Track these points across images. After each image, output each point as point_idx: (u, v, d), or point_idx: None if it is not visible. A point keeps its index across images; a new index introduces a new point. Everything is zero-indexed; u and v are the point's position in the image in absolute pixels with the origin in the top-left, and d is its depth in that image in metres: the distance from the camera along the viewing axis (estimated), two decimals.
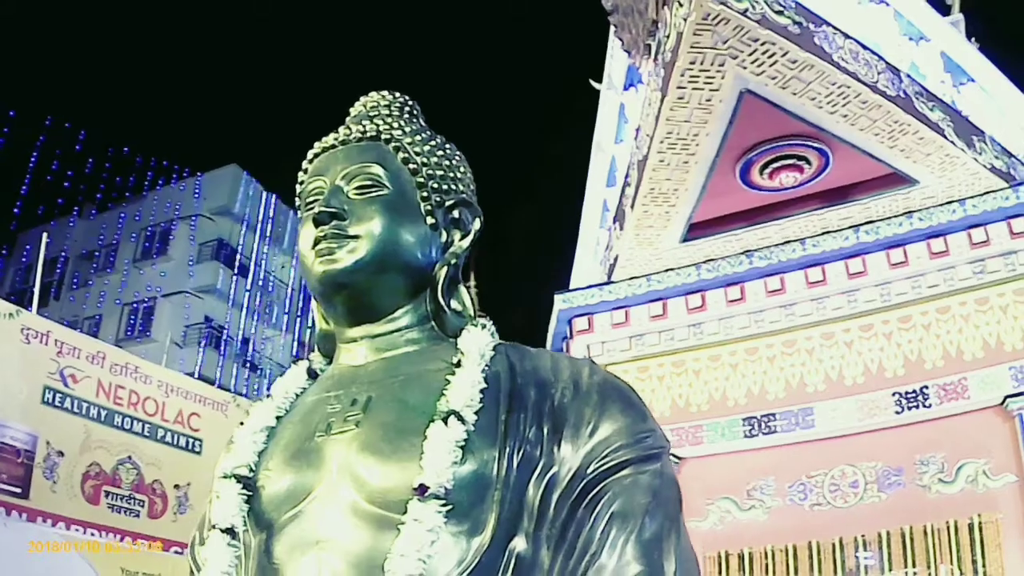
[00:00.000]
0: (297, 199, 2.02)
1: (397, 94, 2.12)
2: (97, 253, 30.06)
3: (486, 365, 1.76)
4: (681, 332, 9.89)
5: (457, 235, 1.98)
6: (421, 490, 1.56)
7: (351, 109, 2.12)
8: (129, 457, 11.17)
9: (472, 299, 1.98)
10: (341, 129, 2.01)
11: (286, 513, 1.68)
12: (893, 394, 8.92)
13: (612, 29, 9.58)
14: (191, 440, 11.83)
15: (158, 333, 27.40)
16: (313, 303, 2.05)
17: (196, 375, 17.74)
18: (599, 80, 12.16)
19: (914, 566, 8.20)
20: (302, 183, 2.01)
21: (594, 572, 1.58)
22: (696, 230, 9.88)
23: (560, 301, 10.35)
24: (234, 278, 30.41)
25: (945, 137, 8.22)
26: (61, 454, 10.50)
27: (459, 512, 1.57)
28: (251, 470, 1.76)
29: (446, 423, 1.63)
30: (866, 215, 9.31)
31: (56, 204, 25.70)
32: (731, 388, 9.51)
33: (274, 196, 32.73)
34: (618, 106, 11.55)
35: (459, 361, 1.77)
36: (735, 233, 9.89)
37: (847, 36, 7.74)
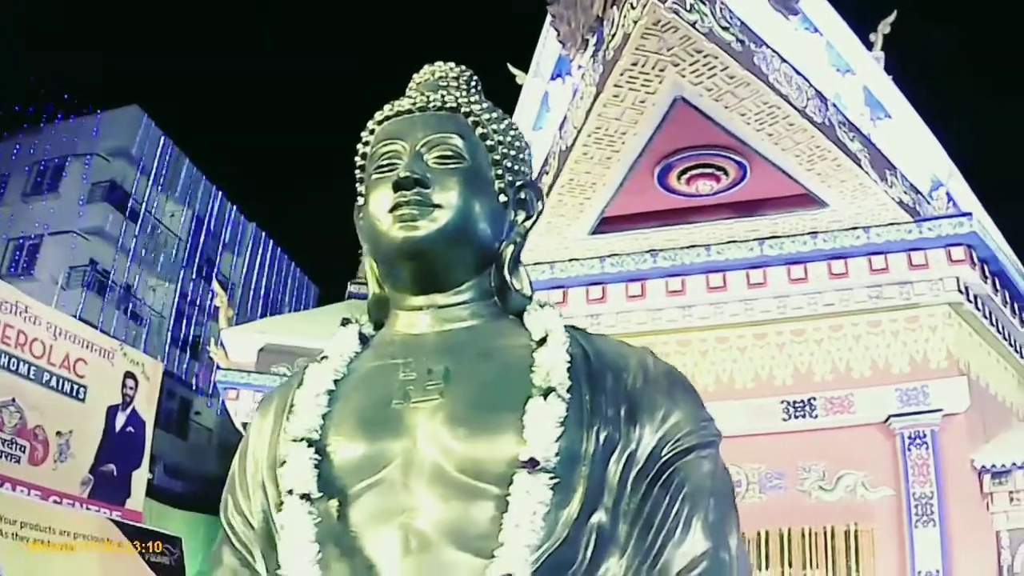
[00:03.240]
0: (359, 159, 2.05)
1: (463, 67, 2.15)
2: None
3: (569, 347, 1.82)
4: (579, 322, 10.00)
5: (522, 215, 2.03)
6: (531, 463, 1.61)
7: (416, 76, 2.14)
8: (13, 400, 10.75)
9: (530, 280, 2.04)
10: (415, 96, 2.03)
11: (362, 481, 1.70)
12: (781, 402, 9.28)
13: (549, 19, 9.65)
14: (76, 386, 11.53)
15: (41, 272, 26.51)
16: (367, 265, 2.05)
17: (77, 319, 17.27)
18: (517, 65, 12.23)
19: (790, 566, 8.59)
20: (367, 143, 2.03)
21: (672, 546, 1.69)
22: (606, 224, 10.04)
23: None
24: (124, 222, 29.55)
25: (861, 167, 8.58)
26: None
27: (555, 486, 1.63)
28: (318, 434, 1.76)
29: (546, 399, 1.68)
30: (772, 230, 9.61)
31: None
32: None
33: (172, 142, 31.87)
34: (542, 94, 11.67)
35: (543, 339, 1.83)
36: (643, 232, 10.07)
37: (783, 60, 8.01)
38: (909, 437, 8.76)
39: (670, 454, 1.76)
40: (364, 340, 1.99)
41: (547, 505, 1.60)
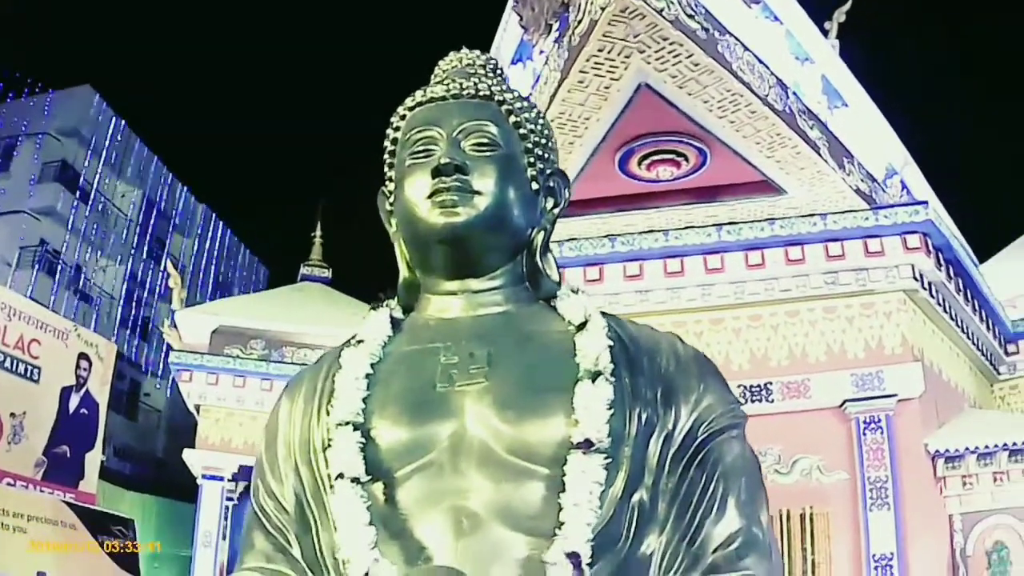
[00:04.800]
0: (390, 143, 2.07)
1: (488, 54, 2.19)
2: None
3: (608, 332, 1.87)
4: None
5: (551, 202, 2.07)
6: (587, 444, 1.66)
7: (441, 63, 2.16)
8: None
9: (557, 266, 2.08)
10: (447, 83, 2.05)
11: (410, 464, 1.72)
12: (738, 386, 9.30)
13: (511, 3, 9.66)
14: (30, 367, 11.41)
15: None
16: (397, 249, 2.07)
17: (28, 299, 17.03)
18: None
19: None
20: (398, 129, 2.05)
21: (709, 524, 1.76)
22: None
23: None
24: (75, 202, 29.15)
25: (820, 155, 8.66)
26: None
27: None
28: (361, 418, 1.77)
29: (594, 382, 1.73)
30: (731, 216, 9.69)
31: None
32: None
33: (124, 122, 31.47)
34: None
35: (583, 324, 1.88)
36: (602, 217, 10.12)
37: (746, 48, 8.06)
38: (864, 422, 8.89)
39: (704, 435, 1.83)
40: (394, 324, 2.01)
41: (602, 485, 1.65)
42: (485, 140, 1.95)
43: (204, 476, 15.49)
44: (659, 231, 9.75)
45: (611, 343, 1.83)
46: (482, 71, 2.12)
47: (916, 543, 8.56)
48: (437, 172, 1.89)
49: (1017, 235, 14.28)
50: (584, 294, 2.00)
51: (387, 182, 2.09)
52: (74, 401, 11.96)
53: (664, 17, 7.19)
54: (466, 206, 1.89)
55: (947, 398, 9.75)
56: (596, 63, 7.81)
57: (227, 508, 15.55)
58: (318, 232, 20.71)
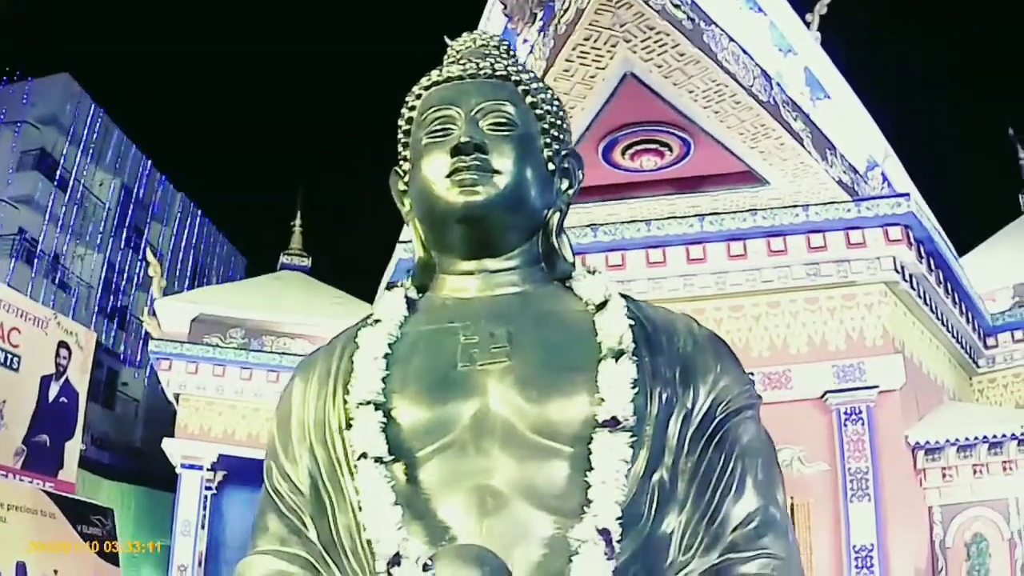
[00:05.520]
0: (405, 123, 2.06)
1: (499, 36, 2.17)
2: None
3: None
4: None
5: (565, 183, 2.07)
6: (612, 423, 1.66)
7: (454, 44, 2.14)
8: None
9: (572, 247, 2.08)
10: (464, 63, 2.04)
11: (431, 444, 1.71)
12: None
13: None
14: (9, 356, 11.29)
15: None
16: (412, 230, 2.05)
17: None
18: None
19: None
20: (413, 108, 2.04)
21: (728, 503, 1.77)
22: None
23: (402, 251, 10.30)
24: (53, 191, 28.96)
25: (803, 146, 8.70)
26: None
27: None
28: (381, 397, 1.76)
29: (617, 361, 1.73)
30: (713, 206, 9.71)
31: None
32: None
33: (102, 110, 31.27)
34: None
35: (603, 304, 1.88)
36: (585, 206, 10.12)
37: (731, 39, 8.08)
38: (845, 413, 8.95)
39: (722, 415, 1.83)
40: (409, 304, 2.00)
41: (628, 463, 1.65)
42: (503, 120, 1.95)
43: (183, 465, 15.43)
44: (641, 221, 9.75)
45: (631, 322, 1.84)
46: (496, 52, 2.10)
47: (896, 535, 8.63)
48: (456, 151, 1.88)
49: (997, 229, 14.40)
50: (602, 274, 2.00)
51: (401, 162, 2.09)
52: (54, 390, 11.83)
53: (651, 7, 7.21)
54: (485, 185, 1.88)
55: (927, 390, 9.83)
56: (582, 52, 7.82)
57: (206, 497, 15.51)
58: (298, 221, 20.67)
